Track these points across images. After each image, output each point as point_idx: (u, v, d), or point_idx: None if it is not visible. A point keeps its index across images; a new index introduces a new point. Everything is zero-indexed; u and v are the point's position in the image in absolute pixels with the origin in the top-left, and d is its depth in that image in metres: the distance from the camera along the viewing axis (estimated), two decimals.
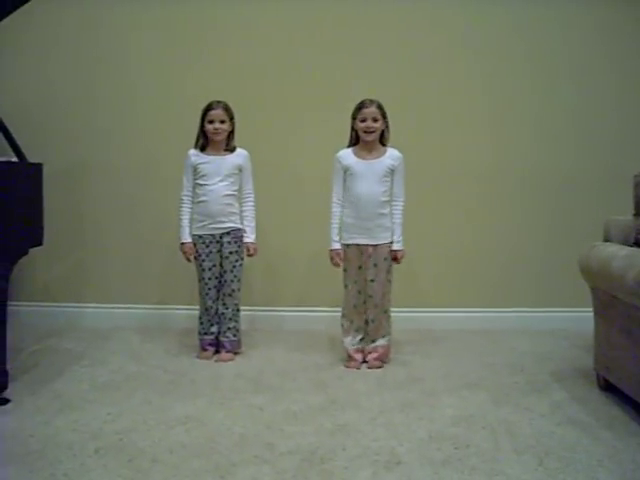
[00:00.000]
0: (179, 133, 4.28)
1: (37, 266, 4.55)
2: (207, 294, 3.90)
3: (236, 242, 3.89)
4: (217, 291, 3.92)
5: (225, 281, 3.90)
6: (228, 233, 3.87)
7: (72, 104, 4.56)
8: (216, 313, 3.93)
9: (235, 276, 3.90)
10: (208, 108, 3.83)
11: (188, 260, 3.90)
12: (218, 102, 3.83)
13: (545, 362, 3.80)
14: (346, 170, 3.70)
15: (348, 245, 3.73)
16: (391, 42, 4.47)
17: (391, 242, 3.72)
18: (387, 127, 3.70)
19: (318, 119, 4.47)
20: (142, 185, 4.57)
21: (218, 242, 3.87)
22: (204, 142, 3.88)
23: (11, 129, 3.42)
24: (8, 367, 3.19)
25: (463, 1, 4.49)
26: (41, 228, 3.45)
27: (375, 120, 3.63)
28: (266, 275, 4.58)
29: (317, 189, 4.22)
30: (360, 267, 3.73)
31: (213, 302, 3.91)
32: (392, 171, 3.69)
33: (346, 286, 3.78)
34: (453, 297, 4.58)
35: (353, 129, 3.73)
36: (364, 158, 3.69)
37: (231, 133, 3.90)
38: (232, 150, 3.91)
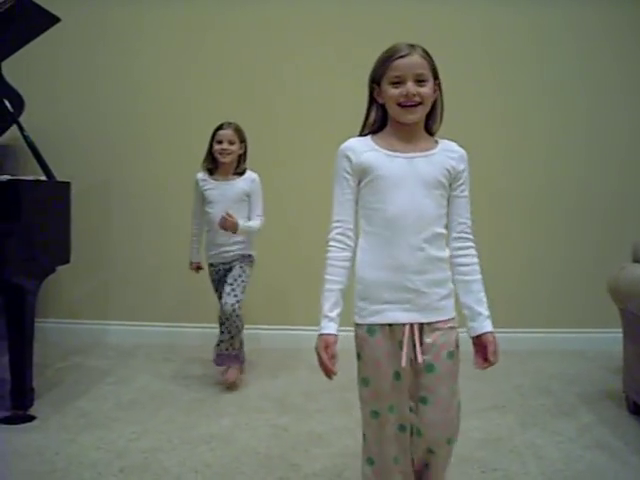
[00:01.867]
0: (201, 152, 4.30)
1: (63, 284, 4.57)
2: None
3: (244, 261, 3.72)
4: (220, 298, 3.77)
5: (228, 285, 3.64)
6: (237, 259, 3.72)
7: (98, 122, 4.60)
8: None
9: (233, 289, 3.63)
10: (218, 128, 3.68)
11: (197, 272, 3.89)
12: (229, 123, 3.68)
13: (573, 384, 3.76)
14: (364, 172, 1.95)
15: (372, 328, 1.95)
16: None
17: (453, 318, 2.00)
18: (440, 97, 2.00)
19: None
20: (166, 203, 4.59)
21: (229, 269, 3.72)
22: (212, 164, 3.72)
23: (40, 148, 3.45)
24: (34, 384, 3.22)
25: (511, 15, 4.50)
26: (68, 246, 3.49)
27: (421, 81, 1.91)
28: (287, 294, 4.58)
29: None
30: (398, 374, 1.95)
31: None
32: (452, 178, 1.97)
33: (376, 414, 1.97)
34: None
35: (373, 103, 2.03)
36: (398, 150, 1.95)
37: (242, 157, 3.73)
38: (241, 173, 3.72)
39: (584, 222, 4.57)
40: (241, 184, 3.69)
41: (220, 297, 3.74)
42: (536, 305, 4.58)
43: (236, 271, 3.67)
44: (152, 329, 4.54)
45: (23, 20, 3.40)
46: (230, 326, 3.63)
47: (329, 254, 1.98)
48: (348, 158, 1.96)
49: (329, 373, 1.91)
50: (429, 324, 1.93)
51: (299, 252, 4.47)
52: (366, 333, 1.95)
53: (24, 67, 3.97)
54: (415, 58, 1.90)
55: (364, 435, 2.03)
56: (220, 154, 3.64)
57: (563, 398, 3.51)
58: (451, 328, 1.98)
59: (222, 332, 3.70)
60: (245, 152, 3.74)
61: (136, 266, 4.64)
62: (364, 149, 1.97)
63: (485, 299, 2.03)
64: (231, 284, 3.62)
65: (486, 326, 2.02)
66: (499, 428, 3.08)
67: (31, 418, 3.11)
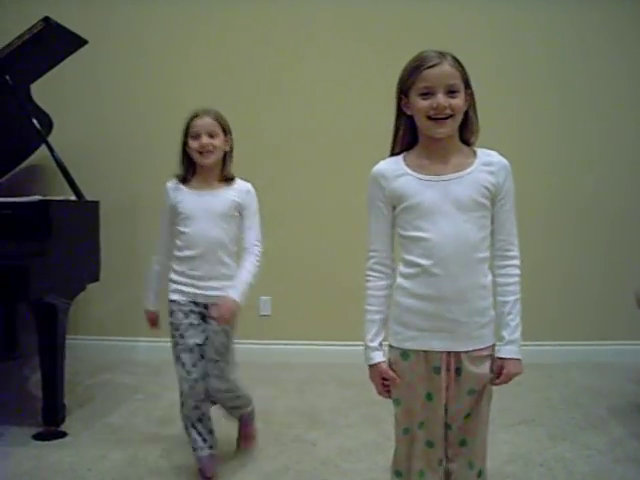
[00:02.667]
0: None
1: (92, 301, 4.62)
2: (191, 387, 2.64)
3: None
4: (201, 381, 2.67)
5: (210, 352, 2.69)
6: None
7: (124, 140, 4.65)
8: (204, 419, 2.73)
9: (220, 367, 2.71)
10: (192, 118, 2.70)
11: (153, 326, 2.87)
12: (207, 110, 2.71)
13: (602, 397, 3.73)
14: (397, 200, 1.88)
15: (406, 353, 1.91)
16: None
17: (492, 345, 1.96)
18: (473, 107, 1.90)
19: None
20: None
21: (201, 313, 2.70)
22: (188, 170, 2.74)
23: (68, 167, 3.51)
24: (65, 401, 3.26)
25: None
26: (98, 264, 3.54)
27: (451, 92, 1.81)
28: (316, 309, 4.57)
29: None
30: (430, 395, 1.92)
31: (198, 403, 2.66)
32: (493, 194, 1.87)
33: (407, 431, 1.97)
34: None
35: (401, 115, 1.93)
36: (431, 172, 1.87)
37: (227, 156, 2.76)
38: (229, 181, 2.75)
39: (611, 235, 4.53)
40: (230, 194, 2.71)
41: (182, 365, 2.65)
42: (565, 317, 4.55)
43: (219, 338, 2.69)
44: None
45: (51, 43, 3.47)
46: (231, 412, 2.95)
47: (368, 284, 1.95)
48: (380, 185, 1.89)
49: (386, 394, 1.96)
50: (466, 352, 1.87)
51: (328, 267, 4.48)
52: (399, 357, 1.91)
53: (53, 89, 4.04)
54: (445, 67, 1.80)
55: (395, 449, 2.00)
56: (199, 153, 2.66)
57: (593, 411, 3.49)
58: (488, 356, 1.92)
59: (199, 433, 2.69)
60: (231, 150, 2.78)
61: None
62: (395, 174, 1.88)
63: (514, 322, 1.98)
64: (216, 361, 2.69)
65: (502, 351, 1.95)
66: (528, 442, 3.07)
67: (63, 434, 3.15)
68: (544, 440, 3.10)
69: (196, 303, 2.68)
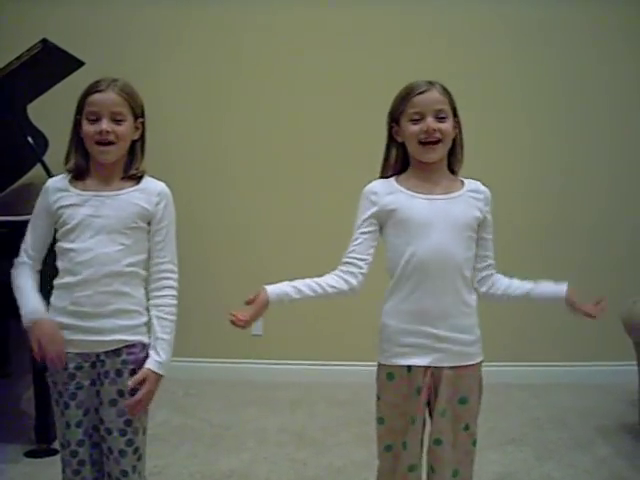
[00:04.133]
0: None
1: None
2: (75, 472, 1.97)
3: (133, 372, 1.95)
4: (93, 466, 1.98)
5: (107, 455, 1.96)
6: (116, 352, 1.95)
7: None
8: None
9: (124, 450, 1.95)
10: (89, 90, 1.97)
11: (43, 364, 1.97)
12: (112, 80, 1.99)
13: (589, 417, 3.77)
14: (387, 215, 1.93)
15: (391, 374, 1.94)
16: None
17: (481, 362, 1.98)
18: (460, 135, 1.99)
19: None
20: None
21: (94, 368, 1.95)
22: (80, 164, 2.00)
23: None
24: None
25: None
26: None
27: (440, 117, 1.89)
28: (306, 328, 4.56)
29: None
30: (413, 419, 1.91)
31: None
32: (480, 220, 1.97)
33: (389, 448, 1.97)
34: (495, 350, 4.54)
35: (392, 142, 2.01)
36: (422, 192, 1.94)
37: (137, 144, 2.05)
38: (136, 179, 2.03)
39: (598, 255, 4.58)
40: (136, 198, 1.99)
41: (66, 445, 1.97)
42: (551, 338, 4.59)
43: (115, 415, 1.94)
44: (173, 364, 4.57)
45: (49, 64, 3.52)
46: None
47: (323, 276, 1.98)
48: (371, 201, 1.95)
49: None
50: (450, 368, 1.89)
51: None
52: (385, 378, 1.94)
53: (49, 109, 4.07)
54: (434, 94, 1.90)
55: (379, 466, 2.02)
56: (98, 144, 1.93)
57: (580, 431, 3.53)
58: (473, 373, 1.95)
59: None
60: (143, 139, 2.08)
61: None
62: (388, 191, 1.95)
63: (527, 281, 2.08)
64: (123, 434, 1.94)
65: (560, 286, 2.13)
66: (515, 461, 3.11)
67: (55, 452, 3.14)
68: (531, 460, 3.14)
69: (86, 355, 1.94)
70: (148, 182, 2.04)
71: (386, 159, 2.03)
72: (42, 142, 3.89)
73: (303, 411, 3.92)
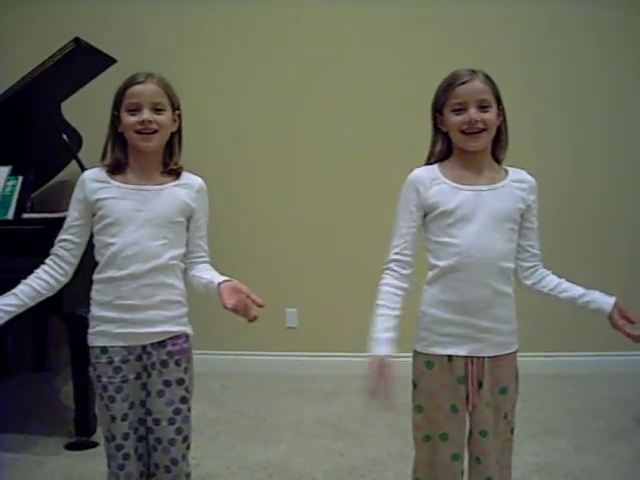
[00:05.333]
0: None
1: None
2: (120, 466, 1.97)
3: (178, 362, 2.02)
4: (139, 460, 2.02)
5: (155, 446, 2.00)
6: (162, 343, 2.00)
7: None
8: None
9: (174, 439, 2.00)
10: (128, 83, 1.98)
11: None
12: (149, 73, 2.01)
13: (627, 407, 3.73)
14: (431, 206, 1.92)
15: (430, 361, 1.93)
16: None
17: (516, 351, 1.97)
18: (504, 123, 1.96)
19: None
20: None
21: (140, 361, 1.99)
22: (119, 158, 2.00)
23: None
24: (96, 411, 3.32)
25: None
26: None
27: (484, 107, 1.88)
28: (341, 320, 4.56)
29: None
30: (455, 407, 1.91)
31: None
32: (524, 209, 1.95)
33: (428, 438, 1.95)
34: (532, 341, 4.52)
35: (437, 131, 1.99)
36: (466, 182, 1.93)
37: (175, 137, 2.07)
38: (176, 174, 2.06)
39: (634, 246, 4.53)
40: (179, 193, 2.03)
41: (111, 438, 1.97)
42: (588, 328, 4.52)
43: (174, 392, 2.00)
44: (208, 357, 4.61)
45: (81, 62, 3.55)
46: None
47: (384, 281, 1.96)
48: (417, 191, 1.93)
49: (387, 403, 1.82)
50: (490, 358, 1.89)
51: (354, 279, 4.49)
52: (424, 365, 1.93)
53: (83, 107, 4.12)
54: (477, 84, 1.88)
55: (416, 456, 2.00)
56: (138, 133, 1.94)
57: (618, 421, 3.50)
58: (511, 363, 1.95)
59: None
60: (180, 131, 2.09)
61: (191, 293, 4.72)
62: (432, 181, 1.93)
63: (578, 286, 2.11)
64: (172, 422, 1.99)
65: (607, 299, 2.12)
66: (553, 452, 3.09)
67: (94, 444, 3.20)
68: (569, 450, 3.11)
69: (132, 348, 1.97)
70: (188, 177, 2.08)
71: (432, 148, 2.01)
72: (76, 139, 3.94)
73: (338, 402, 3.92)
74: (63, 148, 3.68)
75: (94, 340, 2.01)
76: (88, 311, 2.06)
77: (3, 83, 3.55)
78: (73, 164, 3.78)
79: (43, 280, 2.01)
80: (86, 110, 4.38)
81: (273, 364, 4.36)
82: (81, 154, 3.80)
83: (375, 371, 1.85)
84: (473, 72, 1.90)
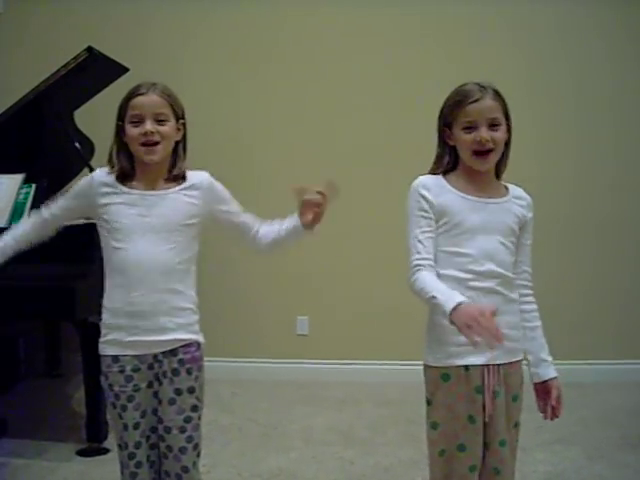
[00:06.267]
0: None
1: None
2: (134, 475, 2.00)
3: (189, 370, 2.00)
4: (151, 467, 2.02)
5: (166, 454, 2.00)
6: (173, 352, 1.99)
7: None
8: None
9: (185, 447, 1.99)
10: (131, 95, 2.00)
11: None
12: (152, 84, 2.02)
13: (638, 416, 3.72)
14: (441, 215, 1.90)
15: (446, 374, 1.88)
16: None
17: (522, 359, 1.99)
18: (508, 142, 1.95)
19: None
20: None
21: (151, 370, 1.99)
22: (125, 167, 2.02)
23: None
24: (108, 418, 3.34)
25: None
26: None
27: (494, 125, 1.87)
28: (352, 327, 4.56)
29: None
30: (473, 418, 1.86)
31: None
32: (521, 226, 1.96)
33: (443, 452, 1.89)
34: None
35: (444, 144, 1.98)
36: (474, 195, 1.93)
37: (179, 146, 2.07)
38: (180, 179, 2.05)
39: None
40: (185, 196, 2.04)
41: (124, 446, 1.99)
42: (600, 336, 4.53)
43: (185, 400, 1.99)
44: (219, 364, 4.61)
45: (94, 71, 3.57)
46: None
47: (418, 274, 1.84)
48: (425, 197, 1.90)
49: (493, 333, 1.63)
50: (503, 365, 1.89)
51: (365, 286, 4.49)
52: (439, 379, 1.88)
53: (96, 115, 4.14)
54: (487, 102, 1.86)
55: (431, 472, 1.94)
56: (143, 146, 1.96)
57: (630, 430, 3.49)
58: (519, 370, 1.96)
59: None
60: (184, 140, 2.09)
61: (205, 299, 4.72)
62: (440, 189, 1.91)
63: (546, 345, 2.02)
64: (183, 431, 1.98)
65: (550, 372, 2.02)
66: (564, 461, 3.08)
67: (106, 451, 3.21)
68: (581, 459, 3.10)
69: (143, 357, 1.97)
70: (191, 178, 2.07)
71: (437, 160, 1.99)
72: (89, 147, 3.96)
73: (350, 410, 3.92)
74: (76, 156, 3.70)
75: (105, 349, 2.02)
76: (100, 318, 2.07)
77: (15, 92, 3.58)
78: (85, 172, 3.79)
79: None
80: (98, 118, 4.42)
81: (284, 371, 4.36)
82: (93, 162, 3.81)
83: (465, 317, 1.67)
84: (483, 88, 1.88)
